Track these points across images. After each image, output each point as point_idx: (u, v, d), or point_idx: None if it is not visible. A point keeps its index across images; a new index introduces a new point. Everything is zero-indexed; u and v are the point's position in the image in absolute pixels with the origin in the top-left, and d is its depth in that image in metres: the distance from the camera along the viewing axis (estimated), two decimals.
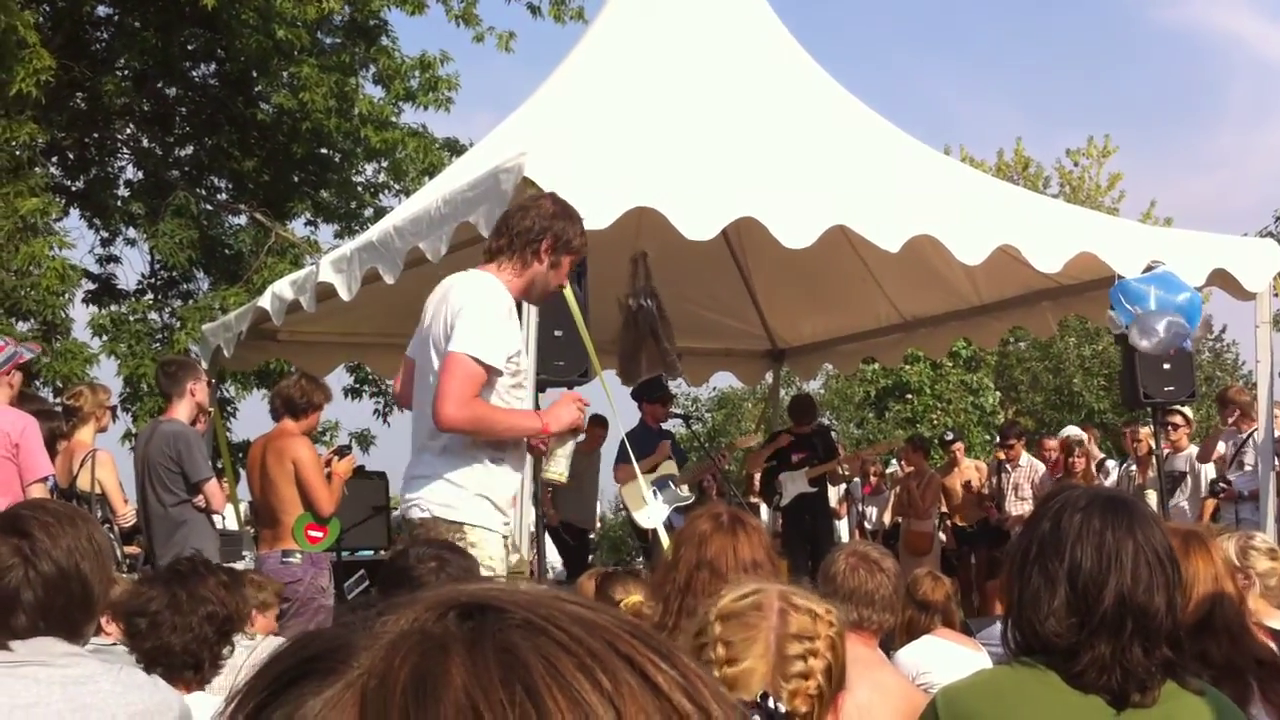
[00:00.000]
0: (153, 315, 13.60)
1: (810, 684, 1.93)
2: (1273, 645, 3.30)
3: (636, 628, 0.64)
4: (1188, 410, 9.79)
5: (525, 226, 4.32)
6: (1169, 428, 9.46)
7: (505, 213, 4.64)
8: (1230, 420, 9.58)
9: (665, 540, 5.39)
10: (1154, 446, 8.94)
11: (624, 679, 0.60)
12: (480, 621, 0.61)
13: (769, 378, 12.23)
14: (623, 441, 8.47)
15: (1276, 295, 7.73)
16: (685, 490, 8.87)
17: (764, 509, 10.72)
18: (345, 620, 0.64)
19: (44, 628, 2.35)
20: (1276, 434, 8.06)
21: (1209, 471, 10.04)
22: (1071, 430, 12.20)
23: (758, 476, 10.64)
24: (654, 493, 8.25)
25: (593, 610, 0.64)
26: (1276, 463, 8.07)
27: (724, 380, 13.77)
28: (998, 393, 24.49)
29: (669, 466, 8.75)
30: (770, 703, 1.87)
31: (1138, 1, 54.36)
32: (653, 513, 8.49)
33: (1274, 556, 3.89)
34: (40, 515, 2.46)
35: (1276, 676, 2.87)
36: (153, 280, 14.26)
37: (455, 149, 13.99)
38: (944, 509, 12.06)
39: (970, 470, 12.13)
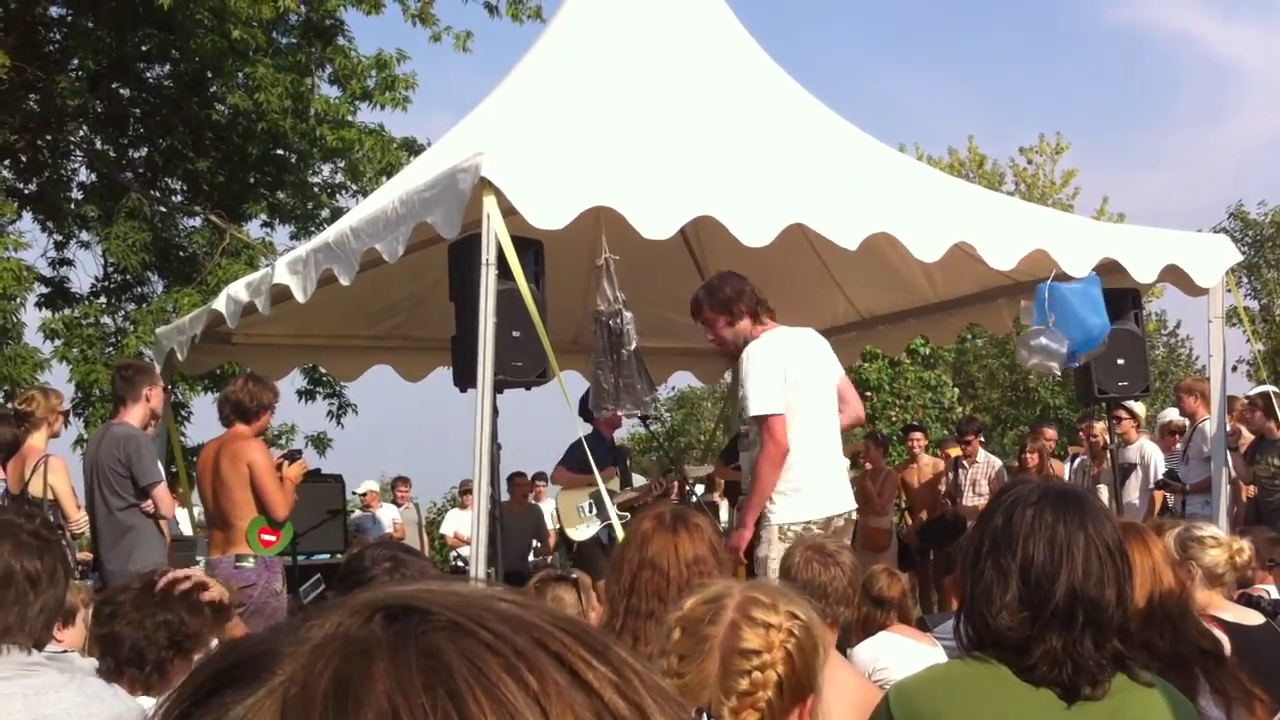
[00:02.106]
0: (106, 319, 13.46)
1: (758, 697, 1.92)
2: (1223, 636, 3.34)
3: (571, 624, 0.63)
4: (1133, 404, 9.90)
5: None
6: (1116, 421, 9.56)
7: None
8: (1189, 408, 9.67)
9: (620, 533, 5.39)
10: (1109, 441, 9.03)
11: (551, 677, 0.59)
12: (405, 624, 0.60)
13: (728, 376, 12.24)
14: (573, 446, 8.42)
15: (1228, 291, 7.81)
16: (617, 511, 8.80)
17: (723, 506, 10.73)
18: (273, 626, 0.63)
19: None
20: (1228, 427, 8.16)
21: (1158, 464, 10.18)
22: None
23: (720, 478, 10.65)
24: (589, 507, 8.22)
25: (524, 608, 0.63)
26: (1228, 455, 8.18)
27: (683, 380, 13.78)
28: (955, 389, 24.62)
29: (612, 474, 8.70)
30: (705, 718, 1.85)
31: (1089, 0, 54.86)
32: (585, 527, 8.46)
33: (1217, 545, 3.92)
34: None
35: (1222, 667, 2.90)
36: (106, 283, 14.11)
37: (413, 149, 13.93)
38: (902, 504, 12.11)
39: (929, 467, 12.17)
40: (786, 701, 1.95)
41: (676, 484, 9.71)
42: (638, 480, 9.61)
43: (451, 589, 0.64)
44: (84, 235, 14.05)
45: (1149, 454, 10.31)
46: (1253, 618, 3.89)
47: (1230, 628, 3.69)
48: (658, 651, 2.03)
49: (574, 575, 4.71)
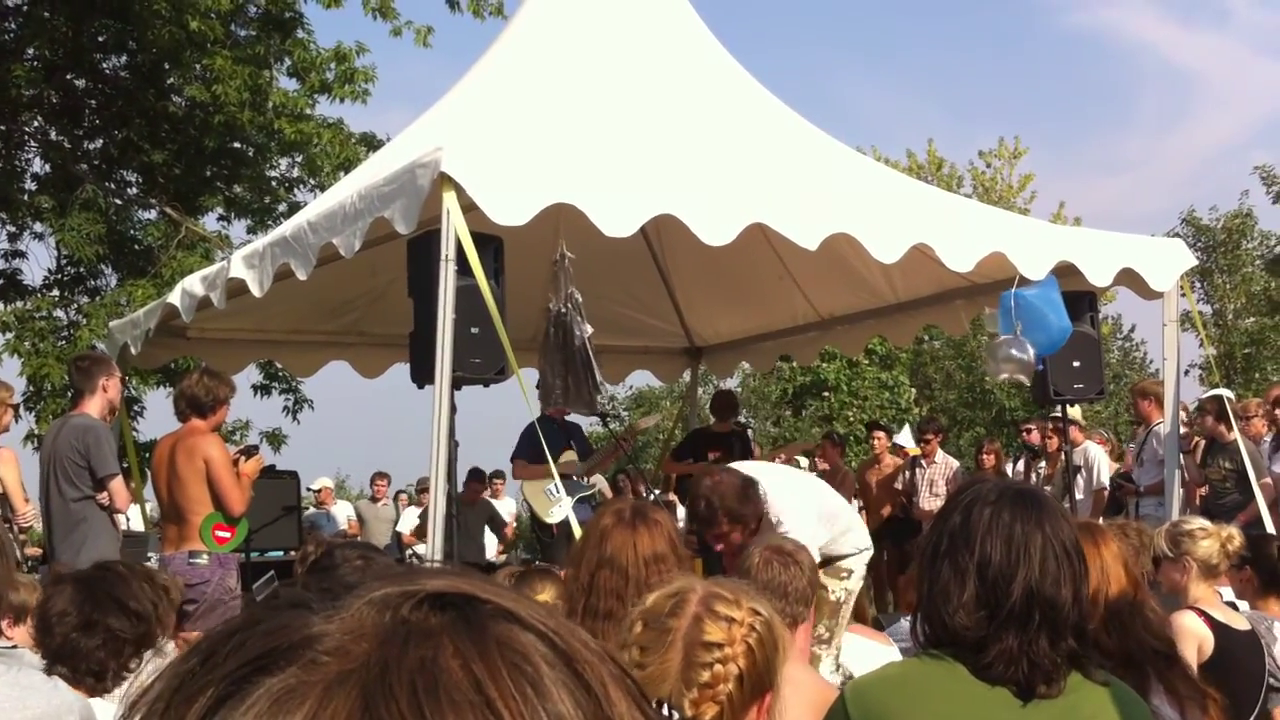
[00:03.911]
0: (58, 312, 13.29)
1: (719, 690, 1.92)
2: (1209, 633, 3.38)
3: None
4: (1073, 410, 10.00)
5: None
6: (1063, 424, 9.63)
7: None
8: (1144, 411, 9.76)
9: (577, 531, 5.38)
10: (1062, 442, 9.11)
11: (605, 672, 0.62)
12: (464, 612, 0.60)
13: (687, 375, 12.25)
14: (525, 434, 8.39)
15: (1183, 295, 7.88)
16: (588, 481, 8.82)
17: (680, 507, 10.73)
18: (284, 610, 0.61)
19: None
20: (1181, 429, 8.24)
21: (1102, 466, 10.30)
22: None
23: (674, 476, 10.64)
24: (556, 488, 8.19)
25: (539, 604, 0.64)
26: (1181, 458, 8.26)
27: (642, 379, 13.79)
28: (913, 389, 24.77)
29: (569, 458, 8.70)
30: (666, 710, 1.85)
31: (1047, 5, 55.34)
32: (558, 508, 8.44)
33: (1207, 536, 3.97)
34: None
35: (1173, 667, 2.93)
36: (59, 276, 13.93)
37: (372, 144, 13.85)
38: (859, 504, 12.14)
39: (890, 466, 12.19)
40: (746, 696, 1.95)
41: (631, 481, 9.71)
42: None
43: (478, 581, 0.64)
44: (37, 227, 13.87)
45: (1092, 455, 10.43)
46: (1240, 622, 3.93)
47: (1218, 627, 3.73)
48: (618, 645, 2.03)
49: (556, 570, 4.71)
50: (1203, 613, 3.86)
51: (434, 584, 0.62)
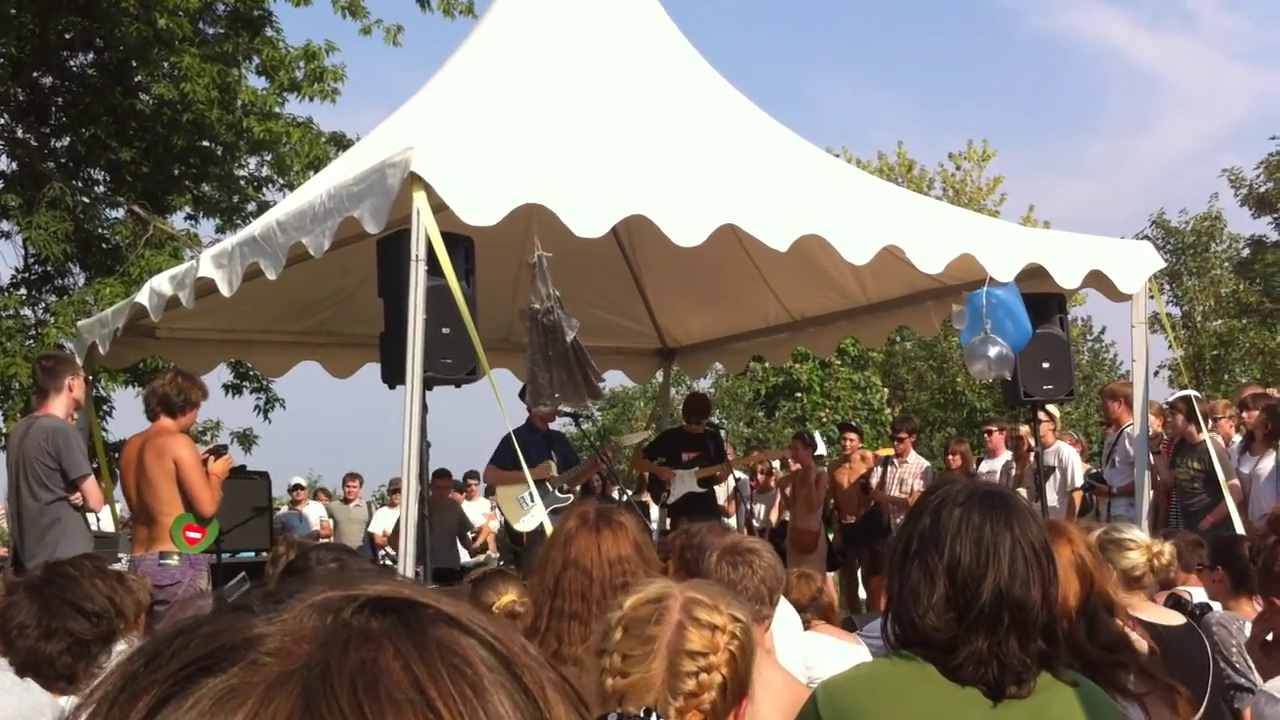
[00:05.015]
0: (25, 311, 13.18)
1: (703, 698, 1.92)
2: (1139, 637, 3.38)
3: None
4: (1052, 408, 10.06)
5: None
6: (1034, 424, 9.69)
7: None
8: (1115, 412, 9.81)
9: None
10: (1033, 444, 9.15)
11: (544, 677, 0.62)
12: (405, 616, 0.61)
13: (659, 376, 12.26)
14: (503, 442, 8.37)
15: (1151, 297, 7.94)
16: (562, 492, 8.80)
17: (653, 507, 10.74)
18: (226, 613, 0.62)
19: None
20: (1155, 430, 8.29)
21: (1075, 466, 10.35)
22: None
23: (647, 476, 10.65)
24: (531, 496, 8.17)
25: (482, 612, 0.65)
26: (1151, 459, 8.31)
27: (615, 379, 13.77)
28: (885, 390, 24.87)
29: (548, 468, 8.68)
30: (654, 719, 1.85)
31: (1014, 9, 55.65)
32: (530, 517, 8.42)
33: (1135, 548, 3.96)
34: None
35: (1137, 669, 2.94)
36: (26, 275, 13.81)
37: (341, 143, 13.78)
38: (830, 503, 12.17)
39: (861, 466, 12.21)
40: (728, 703, 1.95)
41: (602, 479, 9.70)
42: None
43: (419, 588, 0.65)
44: (4, 225, 13.75)
45: (1065, 456, 10.48)
46: (1173, 618, 3.94)
47: (1150, 628, 3.74)
48: (594, 650, 2.02)
49: (516, 571, 4.71)
50: (1131, 618, 3.87)
51: (375, 589, 0.63)
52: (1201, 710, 3.60)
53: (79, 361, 7.92)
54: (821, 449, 12.21)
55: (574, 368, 6.68)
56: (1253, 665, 4.05)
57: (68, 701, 2.89)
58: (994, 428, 11.52)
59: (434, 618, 0.61)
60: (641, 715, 1.84)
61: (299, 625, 0.60)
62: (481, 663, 0.59)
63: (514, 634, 0.63)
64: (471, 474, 14.34)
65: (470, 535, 12.99)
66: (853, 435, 12.36)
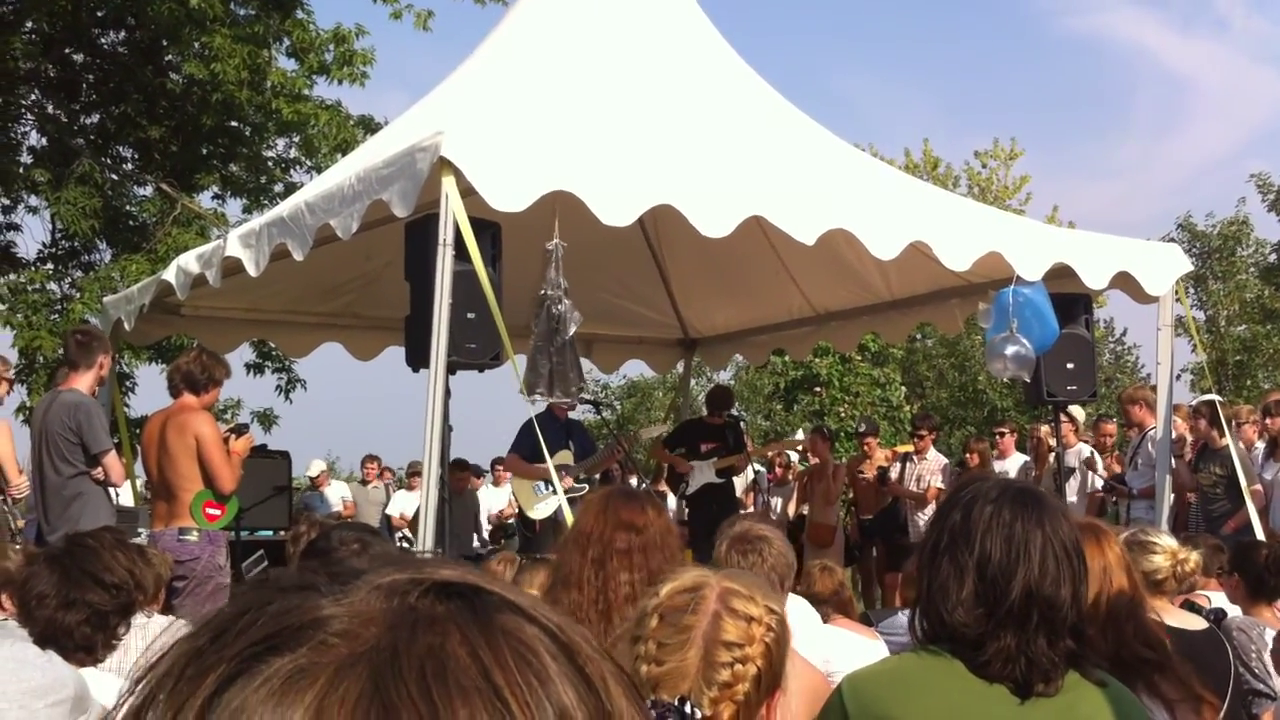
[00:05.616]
0: (52, 286, 13.26)
1: (737, 689, 1.92)
2: (1164, 640, 3.37)
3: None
4: (1075, 409, 10.02)
5: None
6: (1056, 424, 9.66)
7: None
8: (1137, 416, 9.76)
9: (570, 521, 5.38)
10: (1054, 444, 9.13)
11: (605, 667, 0.62)
12: (470, 602, 0.61)
13: (680, 367, 12.26)
14: (523, 429, 8.38)
15: (1177, 300, 7.89)
16: (578, 481, 8.80)
17: (670, 497, 10.75)
18: (293, 592, 0.61)
19: None
20: (1174, 434, 8.25)
21: (1099, 468, 10.32)
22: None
23: (666, 465, 10.66)
24: (546, 484, 8.18)
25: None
26: (1173, 462, 8.27)
27: (635, 369, 13.79)
28: (904, 387, 24.79)
29: (564, 458, 8.70)
30: (687, 708, 1.85)
31: (1045, 9, 55.34)
32: (543, 504, 8.43)
33: (1160, 552, 3.94)
34: None
35: (1164, 673, 2.93)
36: (54, 249, 13.90)
37: (369, 126, 13.82)
38: (848, 497, 12.17)
39: (880, 463, 12.19)
40: (761, 694, 1.95)
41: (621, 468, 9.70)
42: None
43: (483, 574, 0.65)
44: (32, 200, 13.83)
45: (1088, 457, 10.45)
46: (1196, 623, 3.93)
47: (1173, 632, 3.72)
48: (629, 637, 2.03)
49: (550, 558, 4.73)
50: (1159, 622, 3.84)
51: (442, 573, 0.63)
52: (1221, 716, 3.58)
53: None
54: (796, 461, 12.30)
55: (568, 362, 6.70)
56: (1272, 671, 4.03)
57: (88, 673, 2.91)
58: (1005, 429, 11.51)
59: (499, 605, 0.61)
60: (675, 704, 1.85)
61: (366, 607, 0.60)
62: (546, 652, 0.59)
63: (576, 624, 0.63)
64: (499, 459, 14.36)
65: (490, 518, 13.04)
66: (872, 440, 12.44)
